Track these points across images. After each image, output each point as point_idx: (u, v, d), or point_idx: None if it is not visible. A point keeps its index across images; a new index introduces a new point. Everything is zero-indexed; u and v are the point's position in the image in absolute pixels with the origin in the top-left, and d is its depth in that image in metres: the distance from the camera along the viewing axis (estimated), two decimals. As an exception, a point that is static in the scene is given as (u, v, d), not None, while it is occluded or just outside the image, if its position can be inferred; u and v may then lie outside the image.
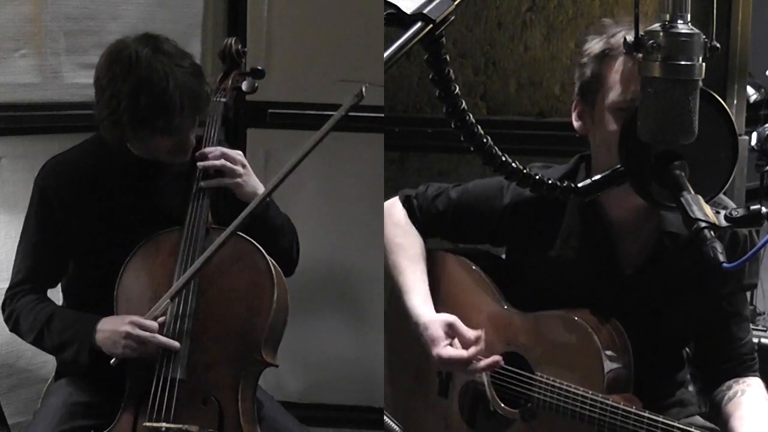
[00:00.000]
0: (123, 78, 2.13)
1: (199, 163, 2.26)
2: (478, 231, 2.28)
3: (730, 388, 2.08)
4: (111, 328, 2.15)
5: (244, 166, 2.27)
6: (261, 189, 2.25)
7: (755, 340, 3.20)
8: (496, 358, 2.11)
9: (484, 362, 2.11)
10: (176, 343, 2.12)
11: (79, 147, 2.36)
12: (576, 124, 2.04)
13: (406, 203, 2.33)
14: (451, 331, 2.14)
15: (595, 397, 2.00)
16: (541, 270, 2.16)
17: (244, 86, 2.44)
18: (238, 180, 2.25)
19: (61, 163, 2.32)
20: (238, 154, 2.28)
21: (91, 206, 2.28)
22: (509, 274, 2.25)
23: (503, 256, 2.34)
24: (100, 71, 2.19)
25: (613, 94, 1.94)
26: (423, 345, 2.16)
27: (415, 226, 2.32)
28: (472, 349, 2.11)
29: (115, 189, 2.29)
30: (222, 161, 2.25)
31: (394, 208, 2.34)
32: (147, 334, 2.10)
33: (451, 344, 2.13)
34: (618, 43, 1.92)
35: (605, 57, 1.95)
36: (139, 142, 2.23)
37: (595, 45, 1.99)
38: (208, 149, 2.28)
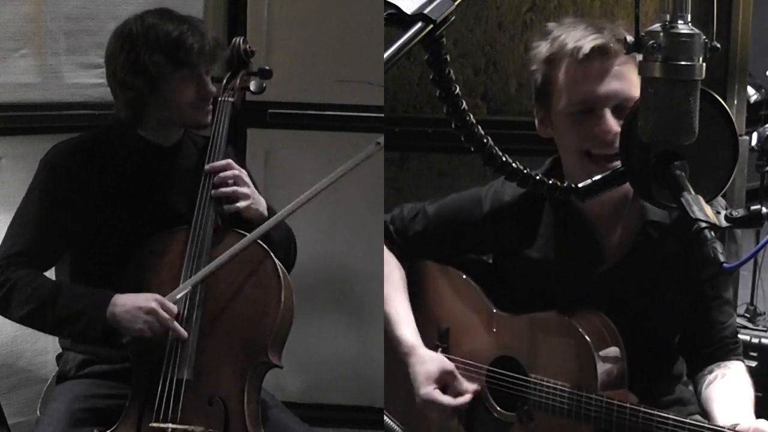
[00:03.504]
0: (137, 34, 2.19)
1: (213, 191, 2.24)
2: (460, 244, 2.27)
3: (711, 372, 2.10)
4: (132, 303, 2.11)
5: (249, 186, 2.28)
6: (264, 206, 2.28)
7: (756, 341, 3.21)
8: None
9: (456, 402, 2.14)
10: (185, 333, 2.11)
11: (90, 133, 2.37)
12: (538, 127, 2.08)
13: (383, 229, 2.32)
14: (447, 378, 2.15)
15: (590, 395, 2.00)
16: (526, 271, 2.17)
17: (252, 86, 2.44)
18: (250, 202, 2.25)
19: (72, 145, 2.31)
20: (243, 173, 2.28)
21: (99, 189, 2.25)
22: (496, 278, 2.25)
23: (490, 261, 2.33)
24: (110, 47, 2.23)
25: (563, 101, 1.99)
26: (411, 377, 2.17)
27: (393, 250, 2.31)
28: (462, 399, 2.14)
29: (124, 176, 2.28)
30: (233, 188, 2.25)
31: None
32: (167, 316, 2.10)
33: (439, 389, 2.14)
34: (562, 46, 1.96)
35: (551, 62, 2.00)
36: (160, 95, 2.22)
37: (541, 49, 2.02)
38: (217, 164, 2.27)
